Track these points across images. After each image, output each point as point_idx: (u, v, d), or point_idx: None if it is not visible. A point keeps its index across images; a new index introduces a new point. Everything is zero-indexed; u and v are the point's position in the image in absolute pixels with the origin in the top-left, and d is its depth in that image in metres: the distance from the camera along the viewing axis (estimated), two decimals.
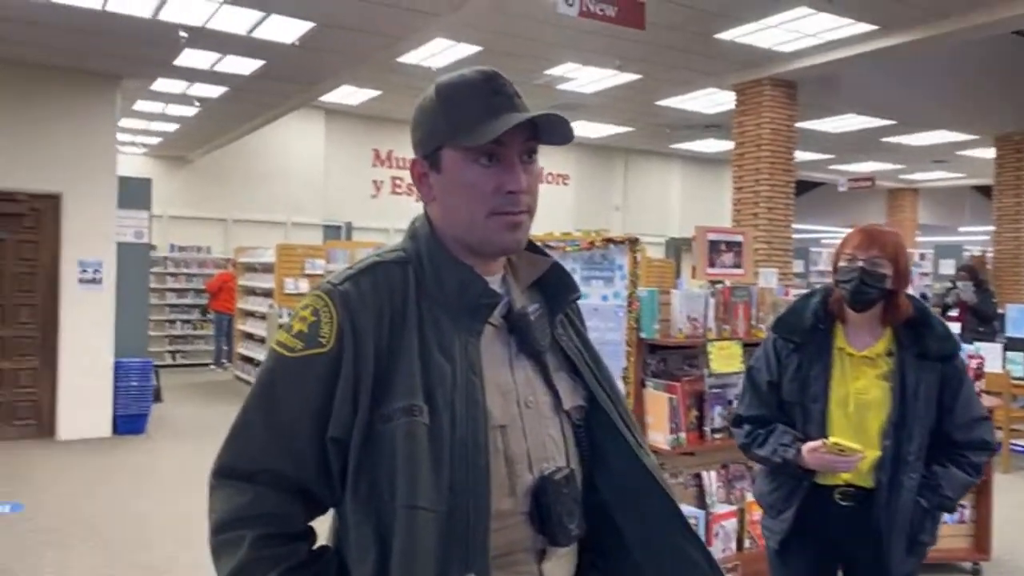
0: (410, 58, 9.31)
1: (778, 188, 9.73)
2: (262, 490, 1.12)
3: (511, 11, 7.58)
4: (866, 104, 11.46)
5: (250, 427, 1.15)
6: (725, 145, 13.06)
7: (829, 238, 22.79)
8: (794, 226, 10.20)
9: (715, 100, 11.31)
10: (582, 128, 14.24)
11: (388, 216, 14.44)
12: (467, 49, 9.13)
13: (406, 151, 14.54)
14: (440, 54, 9.36)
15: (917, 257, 16.52)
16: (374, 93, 12.01)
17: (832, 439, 2.16)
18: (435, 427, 1.10)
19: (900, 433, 2.19)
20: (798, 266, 16.57)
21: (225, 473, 1.15)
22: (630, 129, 14.02)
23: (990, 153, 12.94)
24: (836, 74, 9.63)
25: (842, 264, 2.25)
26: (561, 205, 15.78)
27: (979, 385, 4.12)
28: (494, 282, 1.24)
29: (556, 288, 1.31)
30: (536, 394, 1.22)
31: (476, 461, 1.11)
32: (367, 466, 1.10)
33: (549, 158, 15.88)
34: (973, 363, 4.11)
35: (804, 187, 19.69)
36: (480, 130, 1.16)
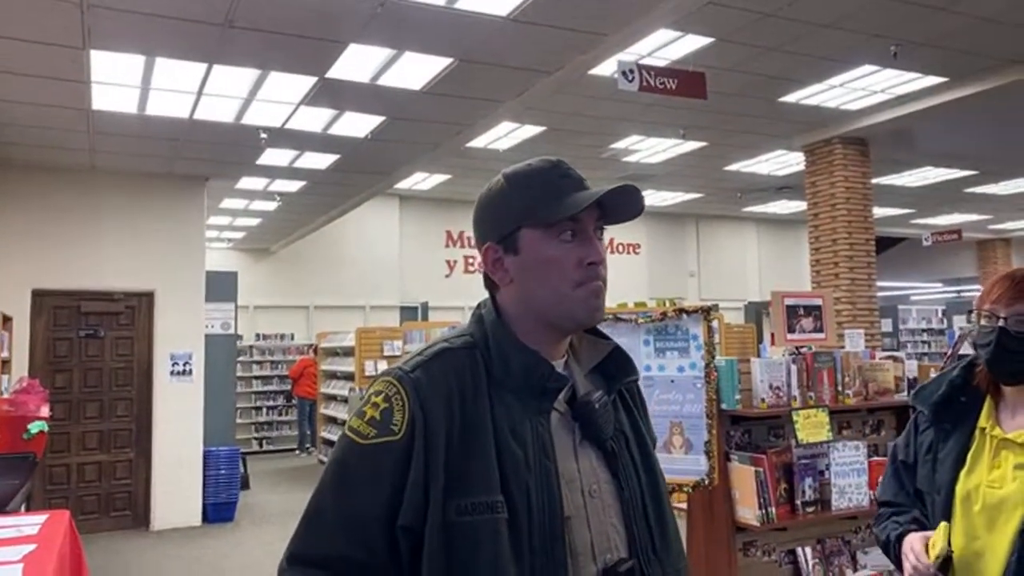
0: (478, 142, 9.60)
1: (857, 246, 9.48)
2: None
3: (572, 91, 7.77)
4: (943, 156, 11.16)
5: (322, 514, 1.17)
6: (799, 206, 12.86)
7: (918, 294, 21.92)
8: (879, 284, 9.87)
9: (785, 161, 11.21)
10: (651, 197, 14.27)
11: (462, 295, 14.65)
12: (532, 130, 9.36)
13: None
14: (506, 136, 9.62)
15: None
16: (444, 177, 12.38)
17: (935, 543, 1.68)
18: (514, 519, 1.11)
19: None
20: (886, 325, 15.97)
21: (298, 560, 1.15)
22: (700, 195, 13.98)
23: None
24: (908, 128, 9.44)
25: (981, 323, 1.78)
26: (633, 275, 15.73)
27: None
28: (558, 366, 1.24)
29: (616, 371, 1.31)
30: (600, 483, 1.22)
31: (554, 553, 1.12)
32: (443, 558, 1.10)
33: (620, 228, 15.92)
34: None
35: (887, 243, 19.12)
36: (559, 207, 1.19)
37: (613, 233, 15.92)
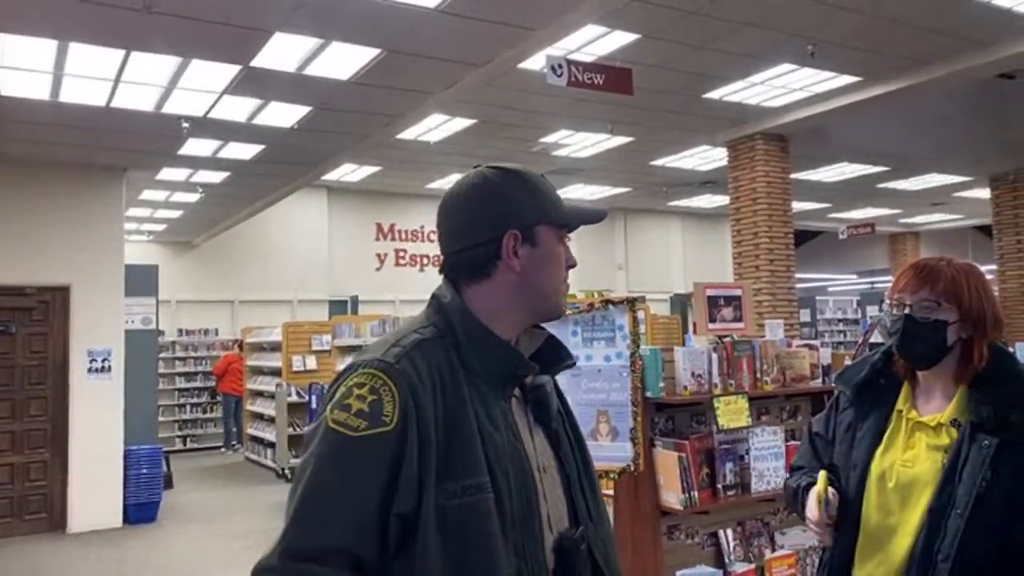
0: (408, 134, 9.54)
1: (777, 239, 9.81)
2: (331, 571, 1.12)
3: (502, 85, 7.80)
4: (858, 152, 11.64)
5: (316, 507, 1.14)
6: (722, 200, 13.21)
7: (834, 285, 22.80)
8: (798, 276, 10.24)
9: (708, 157, 11.51)
10: (580, 191, 14.45)
11: (393, 288, 14.55)
12: (462, 123, 9.36)
13: (407, 223, 14.82)
14: (436, 128, 9.59)
15: None
16: (374, 169, 12.26)
17: (820, 484, 1.79)
18: (499, 498, 1.18)
19: (936, 524, 1.67)
20: (804, 316, 16.56)
21: (292, 555, 1.13)
22: (627, 190, 14.23)
23: (986, 193, 13.06)
24: (825, 125, 9.81)
25: (892, 312, 1.85)
26: None
27: None
28: None
29: (551, 358, 1.38)
30: (549, 459, 1.33)
31: (531, 525, 1.22)
32: (440, 540, 1.13)
33: None
34: None
35: (805, 237, 19.82)
36: (566, 213, 1.37)
37: None
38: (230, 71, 6.19)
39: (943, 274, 1.80)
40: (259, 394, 11.42)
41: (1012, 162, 12.16)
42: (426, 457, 1.15)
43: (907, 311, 1.79)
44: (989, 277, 13.33)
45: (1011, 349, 7.90)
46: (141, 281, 8.45)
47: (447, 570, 1.13)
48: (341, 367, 1.36)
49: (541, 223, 1.32)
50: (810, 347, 4.03)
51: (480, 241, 1.29)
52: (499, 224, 1.29)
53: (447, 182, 13.35)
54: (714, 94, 8.45)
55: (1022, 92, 9.84)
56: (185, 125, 7.33)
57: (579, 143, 10.57)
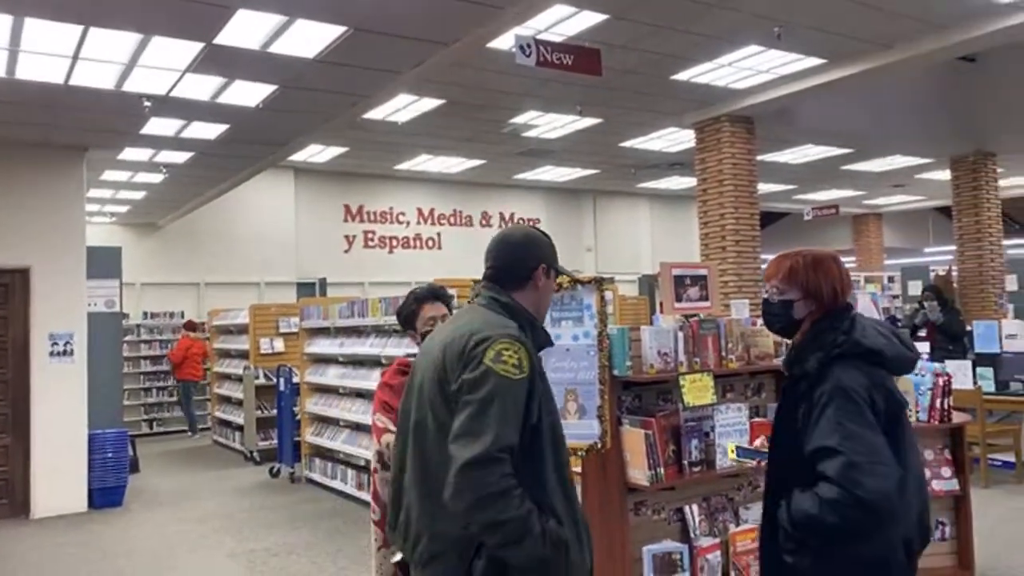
0: (376, 114, 9.45)
1: (743, 220, 9.91)
2: (507, 458, 1.78)
3: (471, 64, 7.76)
4: (823, 134, 11.78)
5: (502, 420, 1.81)
6: (690, 182, 13.30)
7: None
8: (763, 256, 10.34)
9: (676, 139, 11.56)
10: (549, 173, 14.45)
11: (362, 270, 14.47)
12: (431, 103, 9.30)
13: (376, 204, 14.72)
14: (404, 109, 9.51)
15: (885, 280, 16.82)
16: (342, 150, 12.14)
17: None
18: (557, 423, 2.04)
19: (772, 455, 2.28)
20: None
21: (500, 448, 1.77)
22: (596, 171, 14.25)
23: (947, 175, 13.30)
24: (791, 107, 9.91)
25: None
26: None
27: (948, 402, 4.20)
28: None
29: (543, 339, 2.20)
30: None
31: (564, 441, 2.07)
32: (549, 440, 1.95)
33: (519, 202, 16.06)
34: (940, 381, 4.19)
35: (771, 218, 20.04)
36: (560, 267, 2.25)
37: (514, 208, 16.04)
38: (193, 48, 6.08)
39: (785, 263, 2.25)
40: (226, 377, 11.31)
41: (972, 144, 12.39)
42: (540, 394, 1.93)
43: (765, 295, 2.29)
44: (948, 258, 13.61)
45: (969, 327, 8.06)
46: (104, 263, 8.30)
47: (550, 458, 1.93)
48: (461, 339, 1.97)
49: (552, 266, 2.20)
50: None
51: (529, 266, 2.15)
52: (537, 260, 2.17)
53: (416, 163, 13.27)
54: (682, 75, 8.48)
55: (982, 75, 10.01)
56: (147, 104, 7.18)
57: (548, 124, 10.56)
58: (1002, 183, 13.60)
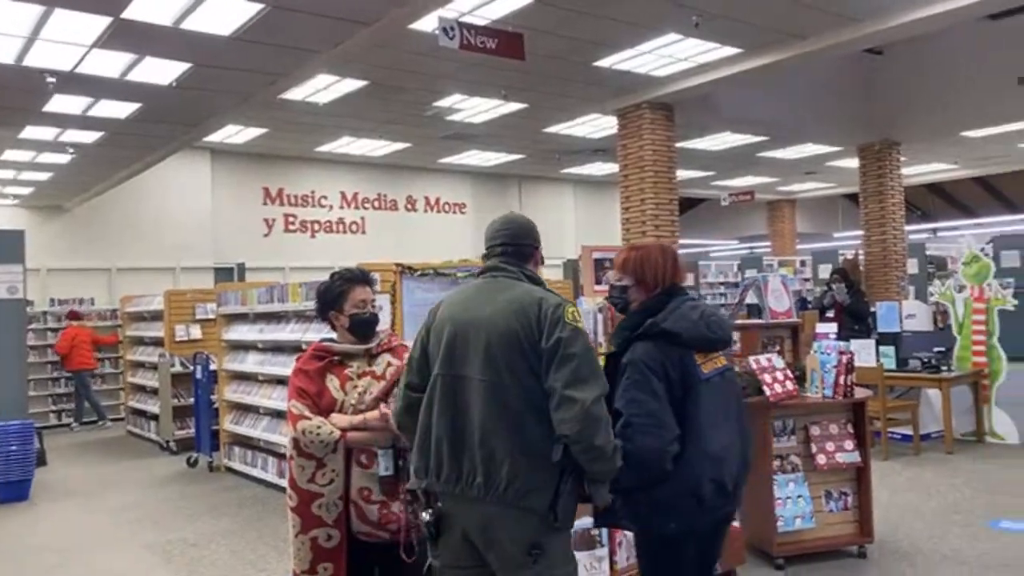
0: (295, 94, 9.25)
1: (663, 206, 10.13)
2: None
3: (393, 45, 7.66)
4: (740, 122, 12.11)
5: (597, 367, 2.23)
6: (613, 168, 13.50)
7: (717, 251, 23.78)
8: (683, 241, 10.62)
9: (599, 125, 11.71)
10: (475, 158, 14.43)
11: (283, 254, 14.17)
12: (353, 84, 9.15)
13: (297, 187, 14.41)
14: (325, 90, 9.34)
15: (798, 263, 17.47)
16: (261, 131, 11.83)
17: None
18: None
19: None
20: (689, 279, 17.23)
21: (603, 390, 2.20)
22: (522, 156, 14.31)
23: (855, 163, 13.86)
24: (709, 95, 10.16)
25: None
26: (459, 233, 15.89)
27: (851, 378, 4.41)
28: None
29: None
30: None
31: None
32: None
33: (445, 187, 15.99)
34: (844, 359, 4.40)
35: (690, 203, 20.54)
36: None
37: (439, 192, 15.96)
38: (99, 22, 5.82)
39: (623, 255, 2.65)
40: (140, 365, 10.93)
41: (878, 133, 12.96)
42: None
43: (610, 283, 2.69)
44: (856, 242, 14.18)
45: (873, 308, 8.41)
46: (5, 247, 7.89)
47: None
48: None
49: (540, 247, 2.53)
50: None
51: (533, 245, 2.48)
52: (536, 240, 2.50)
53: (339, 146, 13.04)
54: (604, 62, 8.59)
55: (888, 67, 10.46)
56: (50, 80, 6.85)
57: (473, 108, 10.54)
58: (905, 171, 14.28)
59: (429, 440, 2.32)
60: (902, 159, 13.57)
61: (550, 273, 14.53)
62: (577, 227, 17.73)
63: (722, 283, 17.55)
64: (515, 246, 2.43)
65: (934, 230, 20.89)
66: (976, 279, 7.59)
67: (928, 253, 14.86)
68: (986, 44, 10.15)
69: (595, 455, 2.14)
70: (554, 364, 2.17)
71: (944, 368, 7.22)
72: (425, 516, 2.33)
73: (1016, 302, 7.76)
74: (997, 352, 7.43)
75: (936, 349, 7.41)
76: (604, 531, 3.58)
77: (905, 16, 7.37)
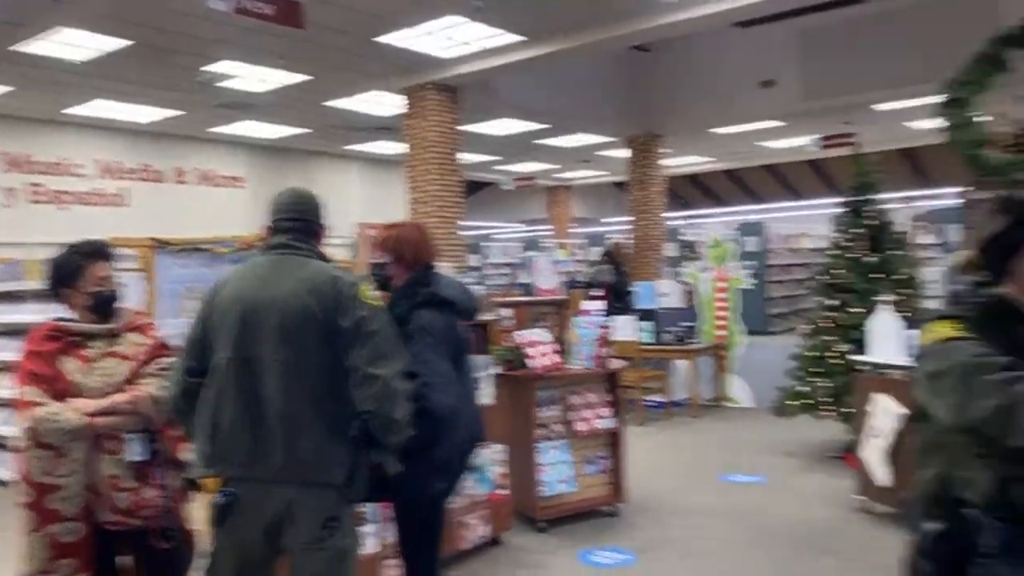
0: (40, 49, 8.30)
1: (448, 187, 10.29)
2: None
3: (159, 4, 7.11)
4: (521, 109, 12.56)
5: (399, 343, 2.35)
6: (400, 147, 13.47)
7: (500, 233, 24.57)
8: (468, 222, 10.84)
9: (385, 102, 11.61)
10: (253, 128, 13.75)
11: (28, 227, 12.66)
12: (113, 42, 8.37)
13: (46, 153, 12.92)
14: (81, 47, 8.46)
15: (574, 246, 18.47)
16: (4, 89, 10.47)
17: None
18: None
19: None
20: (474, 260, 17.65)
21: (405, 365, 2.31)
22: (306, 130, 13.85)
23: (625, 153, 14.88)
24: (492, 80, 10.44)
25: None
26: (235, 207, 15.07)
27: (608, 351, 4.80)
28: None
29: None
30: None
31: None
32: None
33: (219, 159, 15.09)
34: (601, 332, 4.77)
35: (476, 187, 20.99)
36: None
37: (212, 165, 15.03)
38: None
39: (383, 234, 2.77)
40: None
41: (644, 126, 13.99)
42: None
43: (370, 261, 2.81)
44: (626, 228, 15.11)
45: (636, 288, 9.11)
46: None
47: None
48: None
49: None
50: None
51: (320, 223, 2.47)
52: (324, 218, 2.49)
53: (98, 109, 11.85)
54: (386, 39, 8.54)
55: (653, 65, 11.35)
56: None
57: (252, 76, 10.03)
58: (668, 162, 15.57)
59: (220, 426, 2.24)
60: (665, 151, 14.77)
61: (333, 252, 14.20)
62: (364, 207, 17.48)
63: (506, 264, 18.16)
64: (304, 222, 2.42)
65: (691, 217, 22.99)
66: (719, 261, 8.50)
67: (683, 238, 16.36)
68: (735, 49, 11.34)
69: (395, 428, 2.21)
70: (356, 343, 2.20)
71: (692, 341, 8.03)
72: (218, 499, 2.24)
73: (754, 282, 8.81)
74: (735, 326, 8.38)
75: (685, 324, 8.21)
76: (371, 508, 3.64)
77: (668, 17, 8.02)
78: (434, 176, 10.16)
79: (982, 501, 1.51)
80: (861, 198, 5.88)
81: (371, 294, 2.30)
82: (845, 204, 6.00)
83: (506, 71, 9.59)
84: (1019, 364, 1.41)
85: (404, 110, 10.37)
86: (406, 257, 2.70)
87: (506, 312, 4.96)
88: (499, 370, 4.60)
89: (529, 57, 9.03)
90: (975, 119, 6.14)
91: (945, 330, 1.57)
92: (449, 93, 10.17)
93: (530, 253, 15.90)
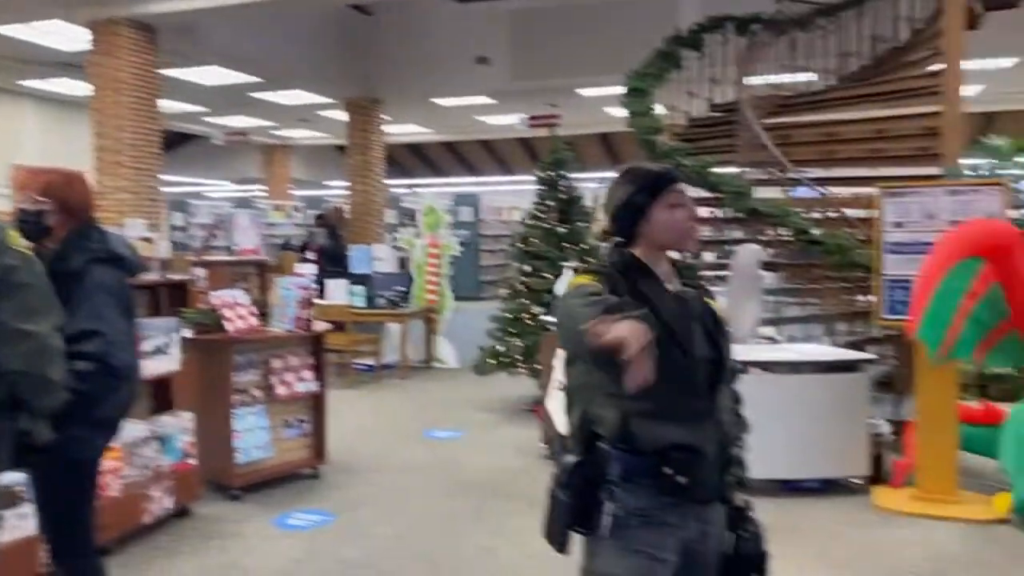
0: None
1: (143, 136, 9.37)
2: None
3: None
4: (230, 58, 11.74)
5: (53, 298, 2.16)
6: (86, 87, 11.96)
7: (211, 191, 22.98)
8: (173, 177, 9.95)
9: (68, 35, 10.22)
10: None
11: None
12: None
13: None
14: None
15: (292, 208, 17.89)
16: None
17: None
18: None
19: None
20: (178, 219, 16.37)
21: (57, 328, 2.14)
22: None
23: (345, 116, 14.60)
24: (196, 23, 9.64)
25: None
26: None
27: (311, 313, 4.71)
28: None
29: None
30: None
31: None
32: None
33: None
34: (304, 294, 4.65)
35: (182, 139, 19.37)
36: None
37: None
38: None
39: (42, 178, 2.49)
40: None
41: (364, 90, 13.81)
42: None
43: (19, 204, 2.47)
44: (346, 193, 14.93)
45: (351, 251, 9.04)
46: None
47: None
48: None
49: None
50: (148, 240, 4.02)
51: None
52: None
53: None
54: None
55: (375, 28, 11.25)
56: None
57: None
58: (388, 128, 15.57)
59: None
60: (385, 118, 14.73)
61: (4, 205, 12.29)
62: (42, 151, 15.29)
63: (215, 224, 17.05)
64: None
65: (413, 186, 23.30)
66: (432, 228, 8.72)
67: (403, 205, 16.56)
68: (453, 23, 11.60)
69: (49, 388, 2.08)
70: (2, 295, 2.00)
71: (404, 305, 8.18)
72: None
73: (461, 249, 9.18)
74: (445, 290, 8.68)
75: (399, 288, 8.33)
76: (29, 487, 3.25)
77: None
78: (128, 123, 9.19)
79: (610, 435, 1.72)
80: (555, 174, 6.37)
81: (21, 242, 2.09)
82: (541, 179, 6.47)
83: (214, 15, 8.92)
84: (630, 304, 1.62)
85: (91, 47, 9.21)
86: (72, 207, 2.49)
87: (201, 272, 4.66)
88: (190, 333, 4.33)
89: (240, 3, 8.47)
90: (652, 109, 6.91)
91: (579, 280, 1.77)
92: (147, 32, 9.21)
93: (233, 211, 15.12)
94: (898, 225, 4.39)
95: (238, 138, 15.91)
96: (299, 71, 12.70)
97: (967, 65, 6.15)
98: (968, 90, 7.22)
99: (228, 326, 4.31)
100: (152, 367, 3.75)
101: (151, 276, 4.03)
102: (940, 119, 5.91)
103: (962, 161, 5.79)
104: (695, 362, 1.73)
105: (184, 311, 4.36)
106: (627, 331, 1.41)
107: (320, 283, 7.65)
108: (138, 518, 3.75)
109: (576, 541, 1.76)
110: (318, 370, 4.83)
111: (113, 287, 2.48)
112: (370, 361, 8.07)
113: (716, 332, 1.81)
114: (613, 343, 1.40)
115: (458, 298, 8.92)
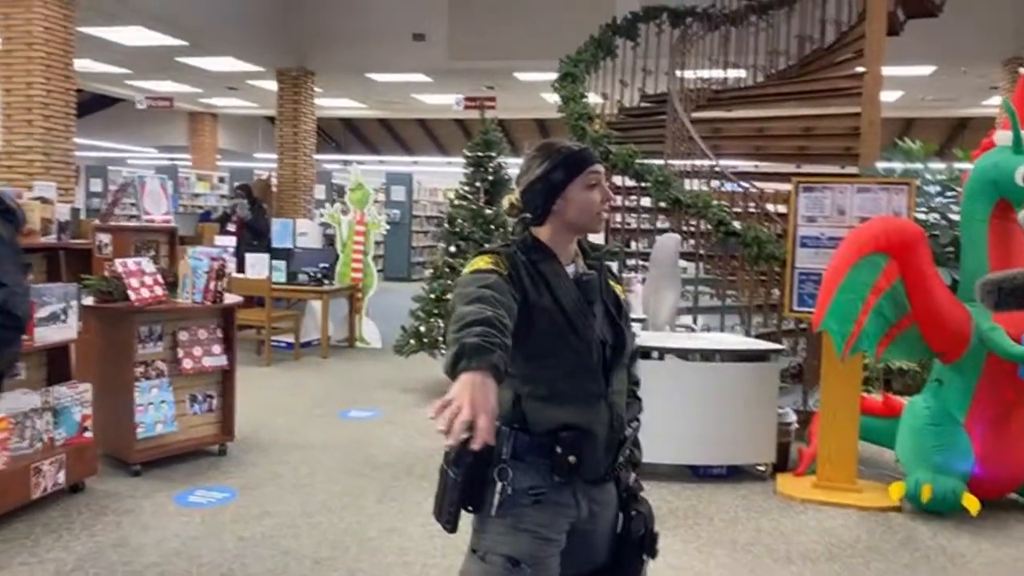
0: None
1: (57, 95, 8.90)
2: None
3: None
4: (156, 18, 11.26)
5: None
6: None
7: (134, 157, 22.10)
8: (92, 142, 9.49)
9: None
10: None
11: None
12: None
13: None
14: None
15: (216, 179, 17.36)
16: None
17: None
18: None
19: None
20: (97, 185, 15.70)
21: None
22: None
23: (275, 85, 14.19)
24: None
25: None
26: None
27: (221, 285, 4.54)
28: None
29: None
30: None
31: None
32: None
33: None
34: (215, 265, 4.49)
35: (104, 103, 18.56)
36: None
37: None
38: None
39: None
40: None
41: (296, 60, 13.45)
42: None
43: None
44: (272, 166, 14.56)
45: (275, 225, 8.76)
46: None
47: None
48: None
49: None
50: (44, 200, 3.81)
51: None
52: None
53: None
54: None
55: None
56: None
57: None
58: (321, 103, 15.21)
59: None
60: (317, 90, 14.37)
61: None
62: None
63: (120, 188, 16.43)
64: None
65: (345, 161, 22.87)
66: (359, 204, 8.56)
67: (335, 181, 16.23)
68: None
69: None
70: None
71: (327, 282, 8.01)
72: None
73: (393, 228, 9.03)
74: (370, 269, 8.54)
75: (322, 265, 8.16)
76: None
77: None
78: (38, 79, 8.70)
79: (504, 415, 1.70)
80: (483, 154, 6.31)
81: None
82: (469, 160, 6.40)
83: None
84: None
85: None
86: None
87: (105, 238, 4.45)
88: (91, 301, 4.14)
89: None
90: (584, 95, 6.91)
91: (479, 263, 1.72)
92: None
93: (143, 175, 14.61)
94: (811, 219, 4.51)
95: (162, 103, 15.31)
96: (228, 36, 12.27)
97: (888, 70, 6.35)
98: (888, 95, 7.46)
99: (132, 295, 4.13)
100: (48, 335, 3.57)
101: (49, 239, 3.83)
102: (860, 120, 6.09)
103: (881, 165, 5.97)
104: (590, 345, 1.71)
105: (86, 278, 4.16)
106: (466, 409, 1.26)
107: (240, 256, 7.43)
108: (26, 492, 3.57)
109: (466, 520, 1.73)
110: (228, 345, 4.68)
111: (9, 240, 2.56)
112: (289, 339, 7.89)
113: (617, 315, 1.80)
114: (460, 428, 1.26)
115: (388, 278, 8.81)
